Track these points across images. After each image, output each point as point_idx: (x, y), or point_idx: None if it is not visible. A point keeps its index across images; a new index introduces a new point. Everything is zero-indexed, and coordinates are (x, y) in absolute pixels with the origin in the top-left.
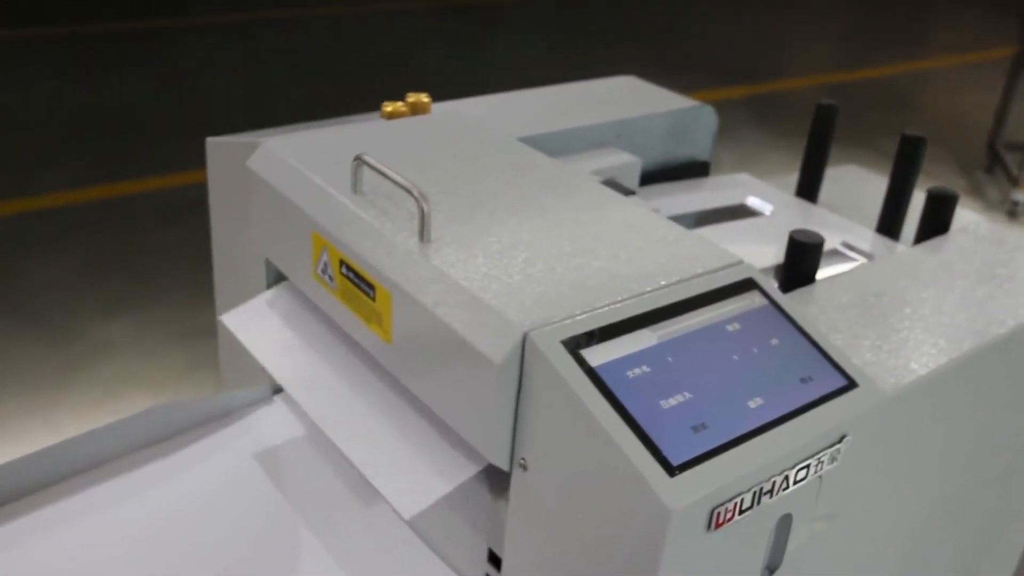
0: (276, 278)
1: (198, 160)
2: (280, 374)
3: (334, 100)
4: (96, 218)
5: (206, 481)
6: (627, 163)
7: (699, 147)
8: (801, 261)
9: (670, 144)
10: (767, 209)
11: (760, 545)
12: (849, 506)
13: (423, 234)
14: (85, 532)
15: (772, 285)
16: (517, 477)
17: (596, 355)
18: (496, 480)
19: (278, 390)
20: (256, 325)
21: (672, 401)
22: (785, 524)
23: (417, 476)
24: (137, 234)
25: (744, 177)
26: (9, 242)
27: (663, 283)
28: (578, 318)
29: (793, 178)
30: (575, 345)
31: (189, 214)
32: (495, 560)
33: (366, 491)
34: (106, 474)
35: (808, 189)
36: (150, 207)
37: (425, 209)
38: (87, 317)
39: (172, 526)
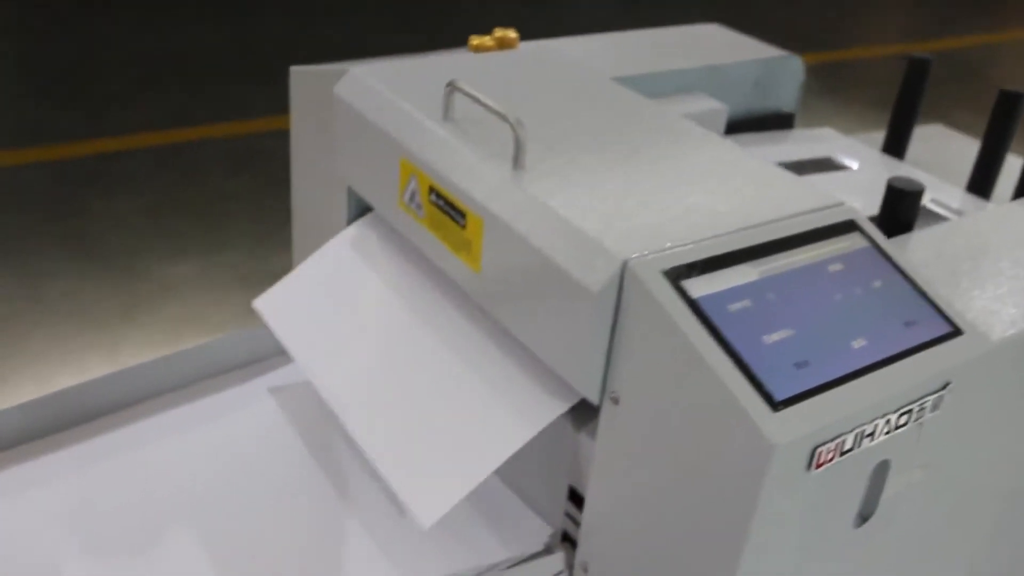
0: (358, 208)
1: (266, 108)
2: (357, 314)
3: (403, 49)
4: (164, 162)
5: (279, 411)
6: (713, 110)
7: (785, 98)
8: (899, 208)
9: (756, 94)
10: (853, 164)
11: (857, 490)
12: (946, 458)
13: (517, 161)
14: (145, 456)
15: (874, 228)
16: (607, 412)
17: (697, 287)
18: (580, 416)
19: None
20: (332, 267)
21: (774, 337)
22: (882, 471)
23: (506, 417)
24: (203, 180)
25: (828, 131)
26: (80, 182)
27: (764, 220)
28: (678, 249)
29: (874, 136)
30: (676, 276)
31: (255, 163)
32: (576, 498)
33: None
34: (184, 397)
35: (895, 146)
36: (217, 154)
37: (520, 136)
38: (152, 258)
39: (245, 447)
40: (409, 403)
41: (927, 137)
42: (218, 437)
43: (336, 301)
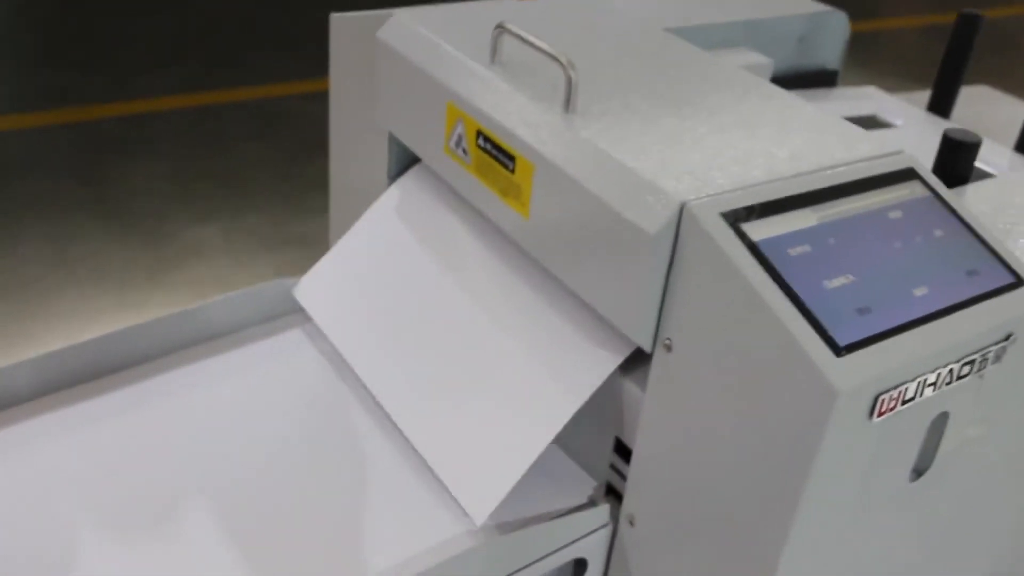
0: (399, 159)
1: (289, 73)
2: (399, 285)
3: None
4: (188, 126)
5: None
6: (759, 64)
7: (829, 55)
8: (955, 160)
9: (800, 50)
10: (898, 121)
11: (915, 442)
12: (1004, 414)
13: (569, 104)
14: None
15: (933, 177)
16: (659, 359)
17: (756, 230)
18: (629, 366)
19: None
20: (372, 237)
21: (836, 282)
22: (940, 424)
23: (556, 387)
24: (227, 144)
25: (872, 90)
26: (106, 145)
27: (823, 166)
28: (736, 192)
29: (917, 97)
30: (734, 218)
31: (279, 128)
32: (622, 450)
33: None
34: (214, 349)
35: (941, 105)
36: (241, 118)
37: (573, 77)
38: (176, 221)
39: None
40: (456, 380)
41: (973, 98)
42: (245, 389)
43: (378, 272)
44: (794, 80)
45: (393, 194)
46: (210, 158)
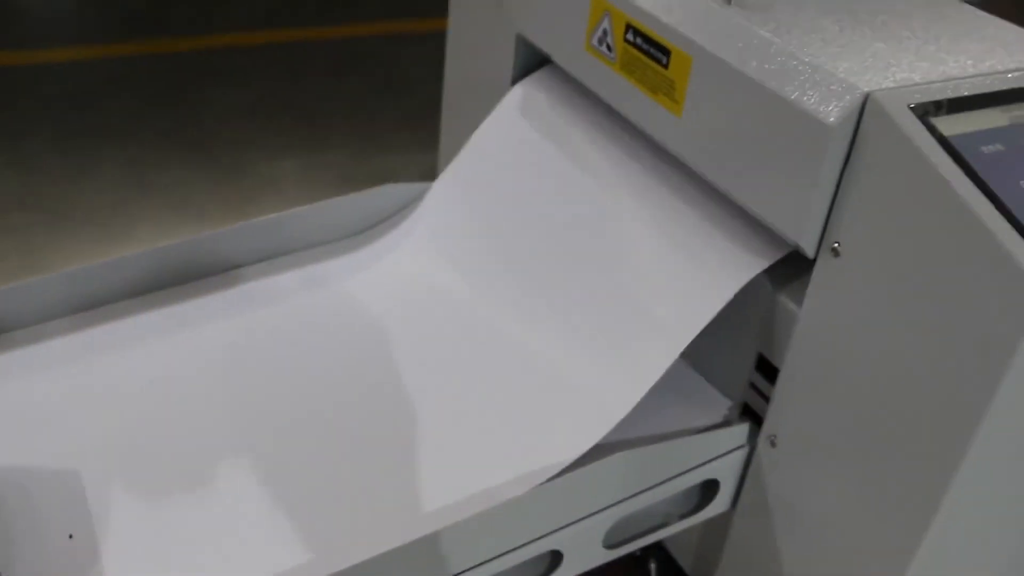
0: (525, 63)
1: (370, 13)
2: (529, 188)
3: None
4: (269, 61)
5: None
6: None
7: None
8: None
9: None
10: None
11: None
12: None
13: None
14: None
15: None
16: (823, 266)
17: (947, 126)
18: (779, 279)
19: None
20: (500, 139)
21: None
22: None
23: (703, 278)
24: (308, 80)
25: None
26: (186, 77)
27: (1012, 68)
28: (924, 86)
29: None
30: (923, 112)
31: (360, 67)
32: (765, 368)
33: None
34: (313, 256)
35: None
36: (321, 55)
37: None
38: (256, 153)
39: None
40: (587, 282)
41: None
42: (359, 289)
43: (505, 174)
44: None
45: (517, 94)
46: (290, 93)
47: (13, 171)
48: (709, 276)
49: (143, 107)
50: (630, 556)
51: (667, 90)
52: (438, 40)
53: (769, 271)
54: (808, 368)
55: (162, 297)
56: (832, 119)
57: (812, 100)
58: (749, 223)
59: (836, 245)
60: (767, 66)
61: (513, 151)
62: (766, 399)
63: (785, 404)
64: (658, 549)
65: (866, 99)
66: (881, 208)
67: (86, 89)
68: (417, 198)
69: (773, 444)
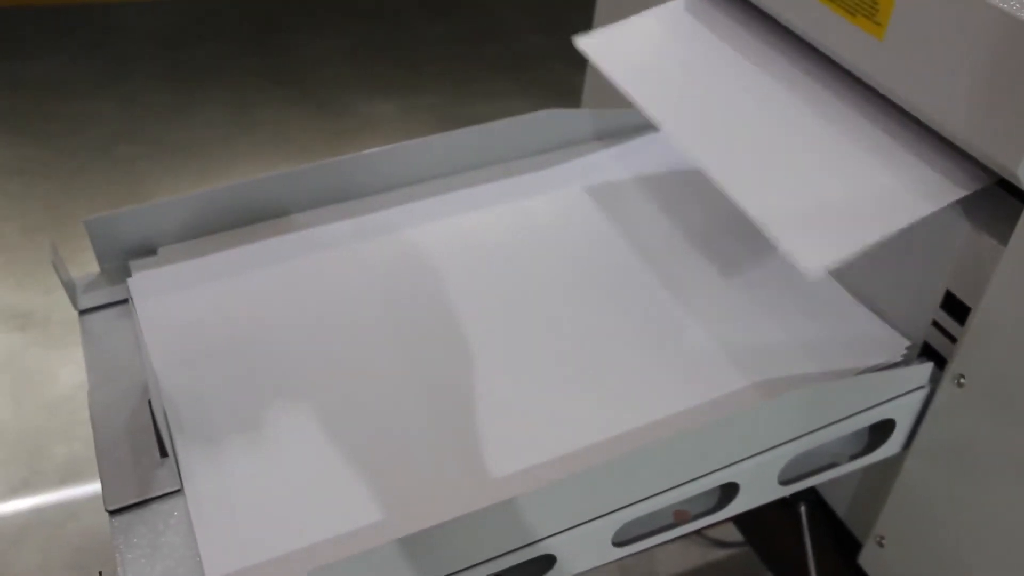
0: None
1: None
2: (705, 72)
3: None
4: (368, 5)
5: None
6: None
7: None
8: None
9: None
10: None
11: None
12: None
13: None
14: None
15: None
16: None
17: None
18: (978, 211)
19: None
20: (669, 26)
21: None
22: None
23: (900, 190)
24: (404, 23)
25: None
26: (283, 19)
27: None
28: None
29: None
30: None
31: (457, 11)
32: (954, 307)
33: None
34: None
35: None
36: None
37: None
38: (354, 95)
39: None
40: (782, 165)
41: None
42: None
43: (676, 54)
44: None
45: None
46: (387, 37)
47: (118, 105)
48: (905, 194)
49: (240, 48)
50: (781, 498)
51: (869, 12)
52: None
53: (966, 207)
54: (1010, 309)
55: (339, 210)
56: None
57: None
58: (947, 155)
59: None
60: None
61: (675, 45)
62: (951, 339)
63: (978, 344)
64: (809, 491)
65: None
66: None
67: (180, 28)
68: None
69: (960, 385)
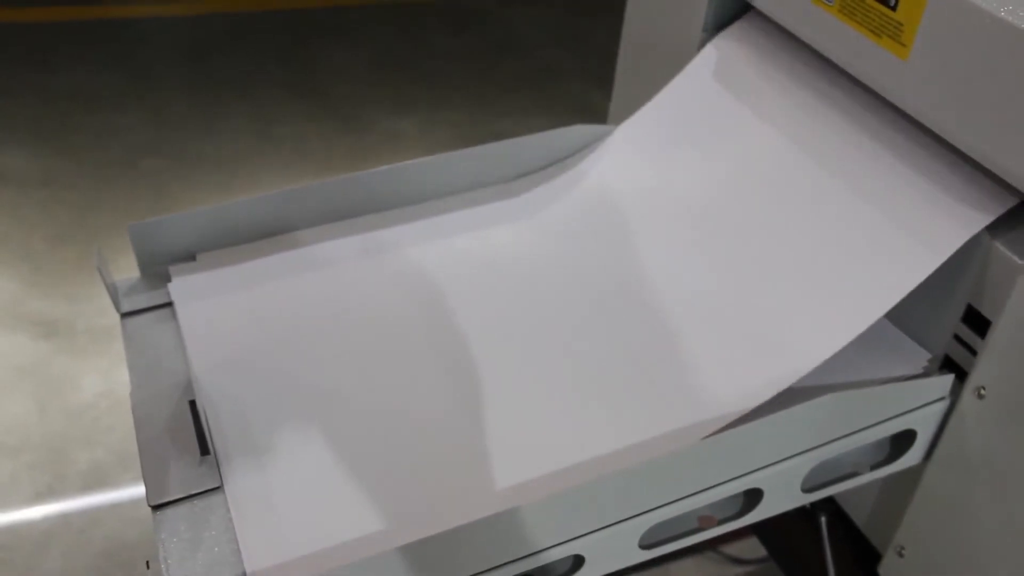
0: (717, 14)
1: None
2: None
3: None
4: (387, 20)
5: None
6: None
7: None
8: None
9: None
10: None
11: None
12: None
13: None
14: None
15: None
16: None
17: None
18: (999, 225)
19: None
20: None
21: None
22: None
23: (922, 230)
24: (425, 39)
25: None
26: (308, 34)
27: None
28: None
29: None
30: None
31: (475, 26)
32: (975, 321)
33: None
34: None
35: None
36: (438, 15)
37: None
38: (375, 110)
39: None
40: (793, 231)
41: None
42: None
43: (700, 124)
44: None
45: (711, 52)
46: (407, 51)
47: (144, 118)
48: (928, 232)
49: (264, 61)
50: (800, 508)
51: (894, 32)
52: (549, 0)
53: (988, 223)
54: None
55: (360, 223)
56: None
57: None
58: (968, 176)
59: None
60: (1009, 6)
61: (707, 105)
62: (972, 352)
63: (998, 357)
64: (829, 502)
65: None
66: None
67: (205, 43)
68: (597, 140)
69: (980, 396)
